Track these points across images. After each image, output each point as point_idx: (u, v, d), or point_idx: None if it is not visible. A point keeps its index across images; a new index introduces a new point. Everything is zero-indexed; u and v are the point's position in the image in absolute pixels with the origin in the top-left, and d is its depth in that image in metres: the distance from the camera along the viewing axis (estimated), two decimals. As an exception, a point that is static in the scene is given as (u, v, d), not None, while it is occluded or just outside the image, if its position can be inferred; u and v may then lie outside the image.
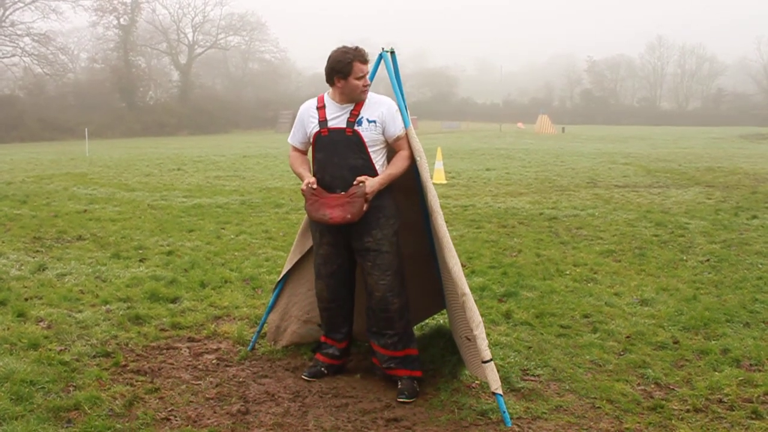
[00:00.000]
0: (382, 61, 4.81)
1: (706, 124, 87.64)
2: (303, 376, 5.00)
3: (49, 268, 8.00)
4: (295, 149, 4.99)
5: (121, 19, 74.14)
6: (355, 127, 4.66)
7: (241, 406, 4.47)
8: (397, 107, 4.73)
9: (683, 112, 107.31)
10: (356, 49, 4.66)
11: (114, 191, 16.19)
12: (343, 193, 4.63)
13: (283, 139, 46.08)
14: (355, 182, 4.61)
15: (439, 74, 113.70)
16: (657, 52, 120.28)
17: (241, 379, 4.96)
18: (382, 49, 4.80)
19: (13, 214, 12.32)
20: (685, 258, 8.77)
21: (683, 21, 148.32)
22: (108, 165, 24.25)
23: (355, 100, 4.70)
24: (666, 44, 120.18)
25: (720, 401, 4.55)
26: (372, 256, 4.75)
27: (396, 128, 4.69)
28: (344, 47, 4.68)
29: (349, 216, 4.58)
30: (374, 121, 4.67)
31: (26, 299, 6.74)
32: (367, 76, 4.68)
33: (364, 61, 4.63)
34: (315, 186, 4.70)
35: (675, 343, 5.64)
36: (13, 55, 65.03)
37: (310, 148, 4.92)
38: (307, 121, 4.84)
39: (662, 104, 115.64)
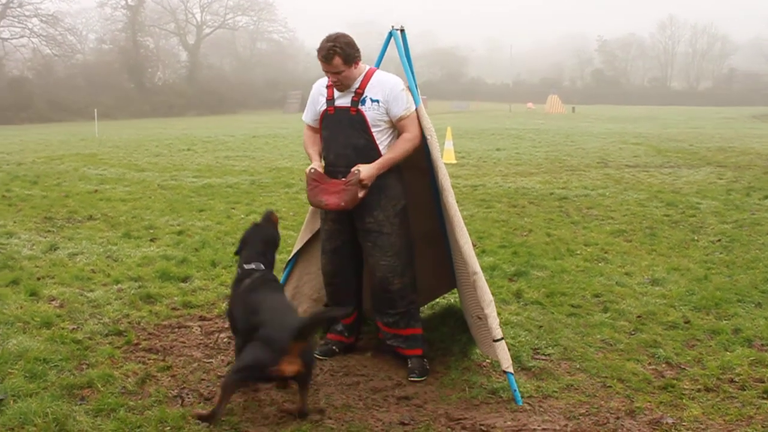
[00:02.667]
0: (392, 40, 4.78)
1: (718, 104, 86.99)
2: (314, 355, 5.01)
3: (61, 248, 8.04)
4: (309, 127, 4.97)
5: (129, -1, 74.02)
6: (359, 106, 4.64)
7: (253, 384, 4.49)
8: (402, 87, 4.65)
9: (694, 92, 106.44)
10: (321, 44, 4.54)
11: (124, 172, 16.21)
12: (343, 179, 4.63)
13: (291, 120, 46.04)
14: (351, 171, 4.59)
15: (449, 54, 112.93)
16: (668, 31, 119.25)
17: (252, 358, 4.97)
18: (392, 27, 4.76)
19: (25, 195, 12.36)
20: (696, 238, 8.74)
21: (695, 0, 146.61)
22: (117, 145, 24.28)
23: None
24: (677, 23, 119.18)
25: (731, 381, 4.55)
26: (373, 237, 4.74)
27: (399, 108, 4.61)
28: (328, 36, 4.58)
29: (342, 203, 4.58)
30: (377, 101, 4.62)
31: (38, 278, 6.78)
32: (338, 75, 4.55)
33: (322, 60, 4.53)
34: (317, 171, 4.72)
35: (686, 322, 5.63)
36: (22, 36, 64.98)
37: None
38: (316, 98, 4.84)
39: (673, 84, 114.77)
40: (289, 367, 3.83)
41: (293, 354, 3.82)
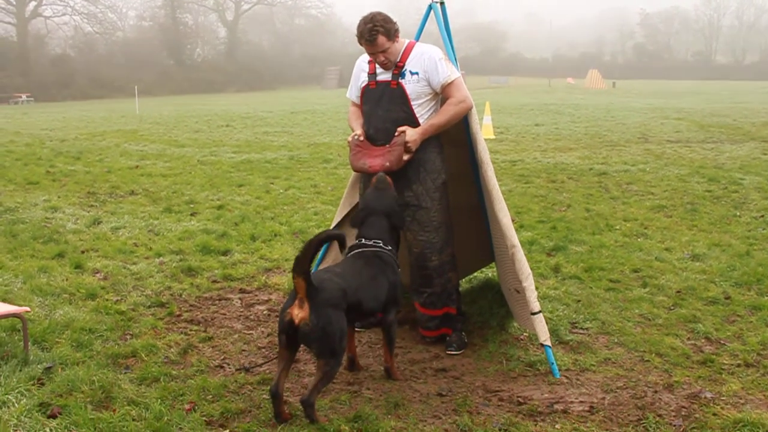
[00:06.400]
0: (432, 13, 4.75)
1: (764, 78, 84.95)
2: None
3: (104, 222, 8.19)
4: (354, 104, 4.96)
5: (169, -24, 74.47)
6: (400, 80, 4.61)
7: (292, 355, 4.55)
8: (441, 56, 4.59)
9: (740, 66, 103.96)
10: (360, 28, 4.49)
11: (164, 147, 16.41)
12: (386, 145, 4.61)
13: (329, 95, 46.09)
14: (396, 132, 4.57)
15: (488, 28, 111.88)
16: (713, 3, 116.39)
17: (291, 330, 5.03)
18: (432, 0, 4.73)
19: (68, 170, 12.59)
20: (738, 214, 8.61)
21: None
22: (158, 122, 24.55)
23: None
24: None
25: (772, 356, 4.50)
26: (411, 211, 4.69)
27: (440, 76, 4.54)
28: (363, 18, 4.53)
29: (387, 164, 4.51)
30: (417, 73, 4.58)
31: (83, 252, 6.93)
32: (384, 53, 4.52)
33: (366, 43, 4.49)
34: (361, 138, 4.70)
35: (726, 298, 5.57)
36: (64, 14, 65.95)
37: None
38: (359, 74, 4.82)
39: (718, 58, 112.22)
40: (297, 310, 3.58)
41: (302, 293, 3.59)
